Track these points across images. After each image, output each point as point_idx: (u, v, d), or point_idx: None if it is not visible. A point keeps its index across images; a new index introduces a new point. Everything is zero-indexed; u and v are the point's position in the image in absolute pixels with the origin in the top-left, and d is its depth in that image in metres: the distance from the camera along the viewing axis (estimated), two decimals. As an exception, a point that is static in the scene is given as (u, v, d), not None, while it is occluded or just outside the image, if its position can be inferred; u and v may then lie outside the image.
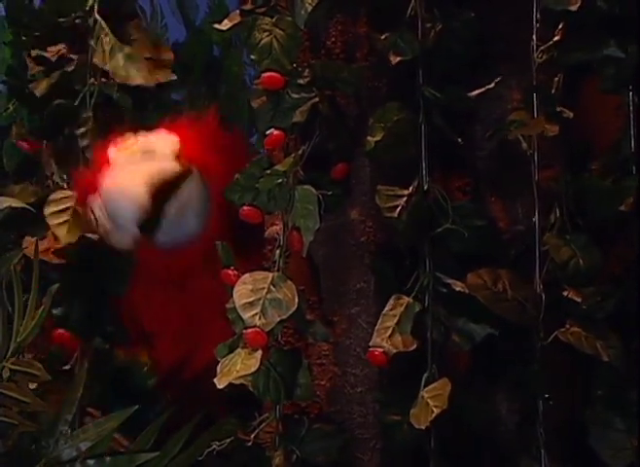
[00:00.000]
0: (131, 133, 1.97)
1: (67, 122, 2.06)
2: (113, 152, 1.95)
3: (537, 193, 1.60)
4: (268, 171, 1.65)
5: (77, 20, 2.07)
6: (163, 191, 1.89)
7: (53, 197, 1.97)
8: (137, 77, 1.97)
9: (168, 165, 1.91)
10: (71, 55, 2.10)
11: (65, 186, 2.05)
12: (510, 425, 1.65)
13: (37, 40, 2.14)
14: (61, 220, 1.93)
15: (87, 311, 1.94)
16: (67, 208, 1.95)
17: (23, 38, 2.18)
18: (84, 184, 1.98)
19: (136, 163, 1.92)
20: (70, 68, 2.07)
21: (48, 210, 1.94)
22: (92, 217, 1.94)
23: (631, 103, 1.58)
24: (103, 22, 2.00)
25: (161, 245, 1.95)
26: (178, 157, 1.92)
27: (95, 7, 2.02)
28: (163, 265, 1.98)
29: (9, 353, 1.69)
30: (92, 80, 2.03)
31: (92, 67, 2.02)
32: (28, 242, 1.96)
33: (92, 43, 2.00)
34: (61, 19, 2.08)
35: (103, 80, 2.03)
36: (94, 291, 1.94)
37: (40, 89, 2.08)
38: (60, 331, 1.94)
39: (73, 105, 2.04)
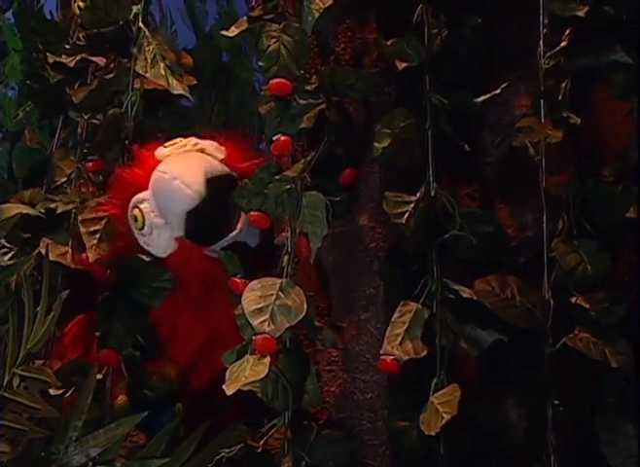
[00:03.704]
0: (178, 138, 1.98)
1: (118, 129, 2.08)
2: (161, 151, 1.95)
3: (545, 199, 1.60)
4: (278, 177, 1.65)
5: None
6: (218, 188, 1.87)
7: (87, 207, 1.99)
8: (178, 86, 1.99)
9: (219, 166, 1.91)
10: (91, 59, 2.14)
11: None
12: (519, 431, 1.64)
13: (55, 47, 2.16)
14: (93, 228, 1.94)
15: (126, 325, 1.93)
16: (101, 218, 1.96)
17: (40, 46, 2.19)
18: (127, 184, 1.96)
19: (190, 156, 1.92)
20: (110, 76, 2.09)
21: (83, 229, 1.94)
22: (135, 219, 1.93)
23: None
24: (147, 31, 2.02)
25: (202, 248, 1.92)
26: (225, 162, 1.93)
27: (140, 16, 2.03)
28: (198, 271, 1.94)
29: (19, 360, 1.70)
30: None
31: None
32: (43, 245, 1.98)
33: (135, 51, 2.02)
34: (103, 29, 2.10)
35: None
36: (132, 304, 1.93)
37: (79, 96, 2.10)
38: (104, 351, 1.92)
39: (120, 113, 2.06)
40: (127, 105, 2.05)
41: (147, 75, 1.99)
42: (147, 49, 2.00)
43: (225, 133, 2.02)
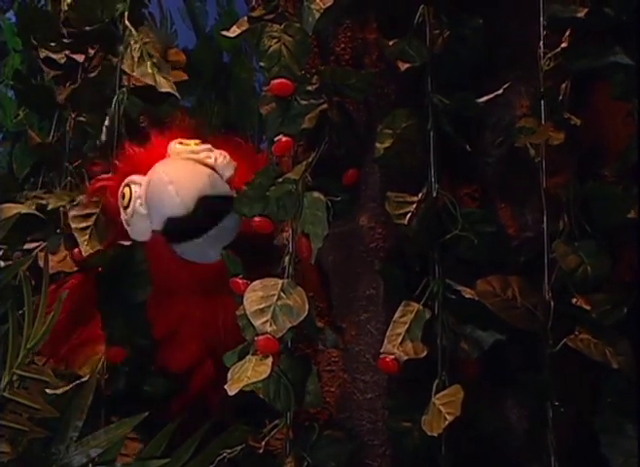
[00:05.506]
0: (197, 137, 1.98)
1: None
2: (173, 146, 1.95)
3: (545, 199, 1.60)
4: (280, 180, 1.65)
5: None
6: (209, 208, 1.88)
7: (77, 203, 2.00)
8: (165, 84, 1.99)
9: (223, 187, 1.91)
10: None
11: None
12: (519, 432, 1.64)
13: (50, 44, 2.16)
14: (84, 225, 1.94)
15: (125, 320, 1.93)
16: (91, 214, 1.96)
17: (34, 43, 2.19)
18: (129, 162, 1.97)
19: (195, 167, 1.92)
20: (93, 74, 2.09)
21: (74, 225, 1.95)
22: (122, 196, 1.94)
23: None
24: (134, 30, 2.01)
25: (180, 257, 1.93)
26: (232, 183, 1.92)
27: (126, 14, 2.03)
28: (181, 276, 1.95)
29: (19, 360, 1.70)
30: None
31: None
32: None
33: (121, 49, 2.02)
34: (88, 28, 2.10)
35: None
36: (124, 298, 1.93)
37: (63, 95, 2.10)
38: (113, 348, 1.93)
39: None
40: (116, 104, 2.05)
41: (134, 73, 1.99)
42: (134, 47, 2.00)
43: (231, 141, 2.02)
